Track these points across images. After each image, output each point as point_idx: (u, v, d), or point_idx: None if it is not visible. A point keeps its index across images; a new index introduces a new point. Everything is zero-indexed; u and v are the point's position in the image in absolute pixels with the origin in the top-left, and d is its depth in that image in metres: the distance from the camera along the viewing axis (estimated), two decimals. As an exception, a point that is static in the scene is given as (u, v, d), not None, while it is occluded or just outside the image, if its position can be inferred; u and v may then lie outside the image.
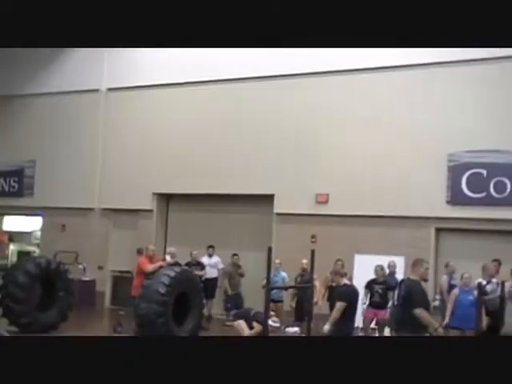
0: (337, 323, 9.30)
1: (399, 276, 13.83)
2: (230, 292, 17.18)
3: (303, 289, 13.81)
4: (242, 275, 17.34)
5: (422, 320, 8.07)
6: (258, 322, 12.38)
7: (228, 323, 15.89)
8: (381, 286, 13.75)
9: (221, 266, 17.71)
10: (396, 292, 9.21)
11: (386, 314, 13.45)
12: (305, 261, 14.49)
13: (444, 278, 14.32)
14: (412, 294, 8.21)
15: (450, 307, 12.47)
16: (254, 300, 15.91)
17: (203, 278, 16.52)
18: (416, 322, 8.08)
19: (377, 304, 13.74)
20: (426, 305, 8.38)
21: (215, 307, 17.84)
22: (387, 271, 14.13)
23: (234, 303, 16.91)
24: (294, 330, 14.20)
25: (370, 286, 13.89)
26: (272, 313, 12.43)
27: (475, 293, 11.72)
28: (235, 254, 17.57)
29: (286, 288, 14.80)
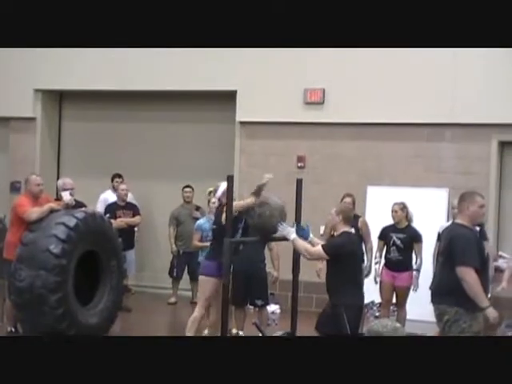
0: (333, 295, 7.55)
1: (441, 218, 11.26)
2: (174, 249, 12.33)
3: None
4: None
5: (465, 286, 6.66)
6: None
7: (171, 300, 12.31)
8: (401, 234, 10.17)
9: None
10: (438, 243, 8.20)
11: (408, 278, 10.16)
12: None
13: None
14: (454, 245, 6.79)
15: None
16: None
17: (136, 229, 12.12)
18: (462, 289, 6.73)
19: (394, 263, 10.20)
20: (475, 262, 6.77)
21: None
22: (411, 213, 10.27)
23: (183, 266, 12.34)
24: (273, 308, 10.14)
25: (385, 234, 10.30)
26: None
27: None
28: (187, 186, 12.56)
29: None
